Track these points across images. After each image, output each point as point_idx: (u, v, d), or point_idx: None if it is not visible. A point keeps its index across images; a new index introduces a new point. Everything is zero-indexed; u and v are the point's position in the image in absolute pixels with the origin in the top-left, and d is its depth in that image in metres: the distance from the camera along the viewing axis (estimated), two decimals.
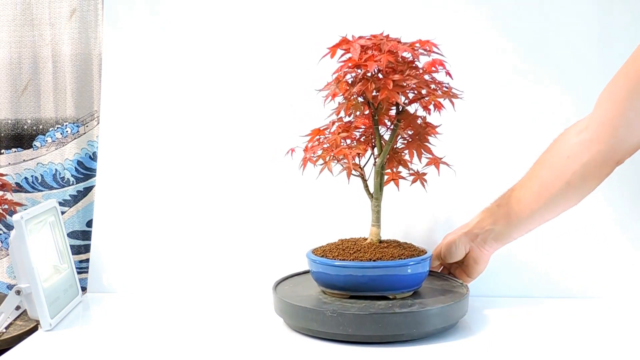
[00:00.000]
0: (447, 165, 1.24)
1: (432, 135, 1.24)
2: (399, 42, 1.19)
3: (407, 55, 1.20)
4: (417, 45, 1.20)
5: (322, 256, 1.25)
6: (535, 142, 1.47)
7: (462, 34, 1.49)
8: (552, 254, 1.43)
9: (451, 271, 1.38)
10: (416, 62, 1.21)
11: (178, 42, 1.55)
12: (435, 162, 1.24)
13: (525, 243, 1.38)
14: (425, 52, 1.20)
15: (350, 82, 1.20)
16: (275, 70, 1.52)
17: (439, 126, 1.25)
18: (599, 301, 1.39)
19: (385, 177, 1.26)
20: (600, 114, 1.19)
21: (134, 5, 1.56)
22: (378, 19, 1.46)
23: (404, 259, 1.22)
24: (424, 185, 1.26)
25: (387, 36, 1.21)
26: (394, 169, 1.26)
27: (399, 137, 1.25)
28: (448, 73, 1.21)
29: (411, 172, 1.26)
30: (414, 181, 1.26)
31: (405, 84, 1.17)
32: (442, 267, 1.39)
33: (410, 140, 1.24)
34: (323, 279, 1.25)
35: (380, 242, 1.27)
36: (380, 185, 1.25)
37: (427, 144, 1.24)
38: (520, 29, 1.49)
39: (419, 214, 1.46)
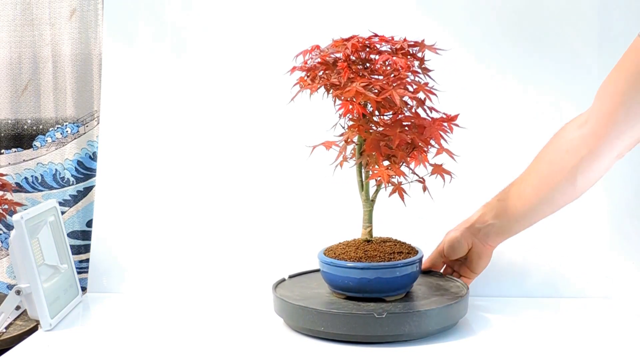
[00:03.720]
0: (449, 173, 1.23)
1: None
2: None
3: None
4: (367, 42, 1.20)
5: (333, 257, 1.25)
6: (536, 141, 1.47)
7: (462, 34, 1.49)
8: (552, 254, 1.43)
9: (455, 268, 1.37)
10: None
11: (178, 41, 1.55)
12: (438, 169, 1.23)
13: (525, 243, 1.39)
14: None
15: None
16: (277, 68, 1.51)
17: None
18: (599, 301, 1.39)
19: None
20: (599, 107, 1.18)
21: (134, 5, 1.56)
22: (385, 21, 1.47)
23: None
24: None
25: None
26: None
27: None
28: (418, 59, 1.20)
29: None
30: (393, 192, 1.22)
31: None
32: (445, 266, 1.38)
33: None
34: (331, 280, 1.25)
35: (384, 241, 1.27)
36: (364, 185, 1.25)
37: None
38: (521, 28, 1.49)
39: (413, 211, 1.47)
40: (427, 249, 1.32)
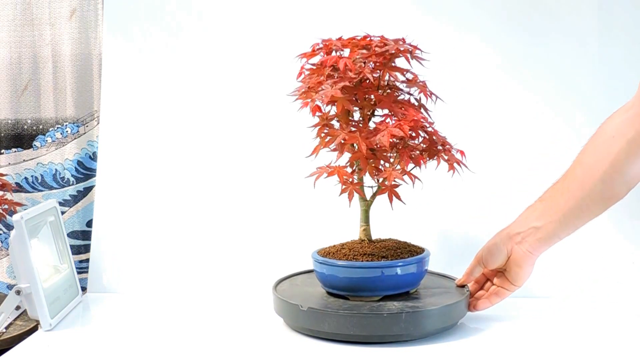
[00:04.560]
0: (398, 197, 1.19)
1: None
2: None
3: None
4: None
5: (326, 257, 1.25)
6: (536, 141, 1.48)
7: (463, 33, 1.49)
8: (552, 254, 1.43)
9: (494, 282, 1.28)
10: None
11: (178, 41, 1.55)
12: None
13: None
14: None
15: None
16: (277, 69, 1.52)
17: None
18: (599, 301, 1.39)
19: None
20: None
21: (133, 5, 1.56)
22: (387, 22, 1.47)
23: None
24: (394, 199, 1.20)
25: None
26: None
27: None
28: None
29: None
30: (382, 191, 1.20)
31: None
32: (486, 281, 1.30)
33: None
34: (325, 280, 1.25)
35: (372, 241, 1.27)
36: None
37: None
38: (521, 28, 1.49)
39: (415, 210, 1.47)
40: (427, 247, 1.31)
